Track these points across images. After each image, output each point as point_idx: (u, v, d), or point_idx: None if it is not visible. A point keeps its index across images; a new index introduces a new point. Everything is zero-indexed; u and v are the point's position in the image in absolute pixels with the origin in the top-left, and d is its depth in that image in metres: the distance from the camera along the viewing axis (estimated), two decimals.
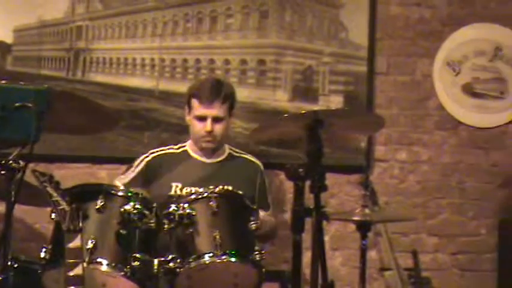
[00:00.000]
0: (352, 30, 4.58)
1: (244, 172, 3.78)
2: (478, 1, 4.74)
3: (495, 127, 4.77)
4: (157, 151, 3.77)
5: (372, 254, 4.41)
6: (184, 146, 3.79)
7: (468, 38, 4.73)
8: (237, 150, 3.87)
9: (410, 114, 4.69)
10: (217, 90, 3.66)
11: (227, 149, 3.83)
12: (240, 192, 3.22)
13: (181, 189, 3.62)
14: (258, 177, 3.81)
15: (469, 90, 4.72)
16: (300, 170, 2.79)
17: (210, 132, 3.62)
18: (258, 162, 3.87)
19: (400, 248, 4.54)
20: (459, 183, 4.73)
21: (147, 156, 3.74)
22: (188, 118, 3.73)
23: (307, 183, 2.81)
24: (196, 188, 3.47)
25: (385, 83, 4.64)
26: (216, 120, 3.62)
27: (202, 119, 3.64)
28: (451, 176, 4.72)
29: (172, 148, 3.80)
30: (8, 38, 4.23)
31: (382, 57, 4.63)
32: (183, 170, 3.70)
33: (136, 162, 3.74)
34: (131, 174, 3.70)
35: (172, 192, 3.60)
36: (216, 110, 3.63)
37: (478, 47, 4.73)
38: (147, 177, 3.69)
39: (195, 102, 3.66)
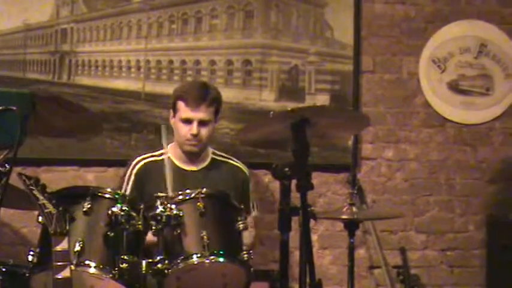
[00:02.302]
0: (337, 29, 4.59)
1: (227, 179, 3.76)
2: None
3: (482, 123, 4.79)
4: (141, 159, 3.75)
5: (360, 252, 4.43)
6: (166, 153, 3.61)
7: (453, 35, 4.75)
8: (220, 153, 3.86)
9: (397, 112, 4.70)
10: (204, 94, 3.65)
11: (210, 153, 3.81)
12: (227, 193, 3.23)
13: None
14: (241, 182, 3.81)
15: (455, 87, 4.74)
16: (286, 169, 2.79)
17: (195, 136, 3.60)
18: (241, 166, 3.85)
19: (388, 245, 4.56)
20: (447, 180, 4.75)
21: (134, 168, 3.73)
22: (173, 121, 3.71)
23: (294, 182, 2.81)
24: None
25: (371, 81, 4.66)
26: (201, 123, 3.61)
27: (188, 121, 3.62)
28: (438, 173, 4.74)
29: (154, 156, 3.76)
30: None
31: (368, 55, 4.64)
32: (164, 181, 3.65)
33: (127, 175, 3.73)
34: (127, 183, 3.70)
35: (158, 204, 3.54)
36: (202, 114, 3.62)
37: (463, 44, 4.75)
38: (139, 189, 3.68)
39: (181, 104, 3.64)
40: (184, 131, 3.63)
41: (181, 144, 3.69)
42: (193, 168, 3.75)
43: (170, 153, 3.63)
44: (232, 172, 3.82)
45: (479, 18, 4.77)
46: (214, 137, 3.89)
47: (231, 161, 3.85)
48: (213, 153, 3.83)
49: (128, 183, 3.70)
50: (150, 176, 3.68)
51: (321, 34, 4.58)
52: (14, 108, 2.46)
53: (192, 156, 3.73)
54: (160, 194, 3.23)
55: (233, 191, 3.61)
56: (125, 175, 3.74)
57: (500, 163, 4.80)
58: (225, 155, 3.86)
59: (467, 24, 4.78)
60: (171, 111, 3.73)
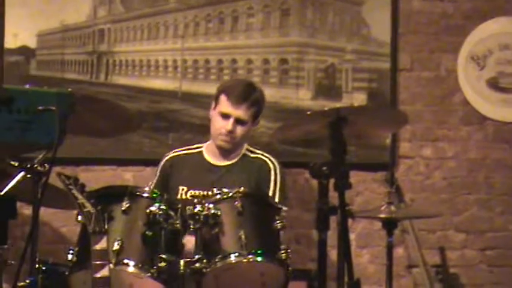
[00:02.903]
0: (374, 27, 4.58)
1: (253, 174, 3.68)
2: None
3: None
4: (172, 153, 3.75)
5: (399, 251, 4.41)
6: (201, 147, 3.75)
7: (492, 32, 4.71)
8: (253, 149, 3.78)
9: (435, 110, 4.67)
10: (248, 93, 3.62)
11: (244, 149, 3.74)
12: (265, 192, 3.24)
13: (186, 193, 3.61)
14: (268, 176, 3.68)
15: (494, 84, 4.71)
16: (324, 168, 2.80)
17: (230, 132, 3.58)
18: (270, 161, 3.72)
19: (427, 244, 4.53)
20: (486, 178, 4.71)
21: (162, 160, 3.74)
22: (212, 113, 3.67)
23: (332, 181, 2.82)
24: (200, 192, 3.50)
25: (408, 79, 4.63)
26: (238, 121, 3.58)
27: (226, 116, 3.58)
28: (477, 171, 4.70)
29: (190, 148, 3.77)
30: (32, 43, 4.26)
31: (405, 53, 4.62)
32: (190, 173, 3.66)
33: (156, 171, 3.75)
34: (155, 178, 3.72)
35: (179, 196, 3.58)
36: (241, 112, 3.58)
37: (502, 41, 4.71)
38: (164, 180, 3.68)
39: (223, 98, 3.61)
40: (220, 125, 3.60)
41: (214, 137, 3.66)
42: (222, 163, 3.70)
43: (204, 148, 3.71)
44: (258, 167, 3.72)
45: None
46: (249, 138, 3.83)
47: (261, 156, 3.75)
48: (247, 149, 3.75)
49: (155, 179, 3.70)
50: (175, 169, 3.68)
51: (357, 32, 4.57)
52: (53, 108, 2.47)
53: (223, 152, 3.70)
54: (197, 193, 3.26)
55: (256, 186, 3.61)
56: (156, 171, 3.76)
57: None
58: (257, 151, 3.77)
59: (506, 21, 4.74)
60: (213, 102, 3.69)
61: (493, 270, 4.69)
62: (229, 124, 3.57)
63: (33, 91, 2.70)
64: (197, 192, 3.57)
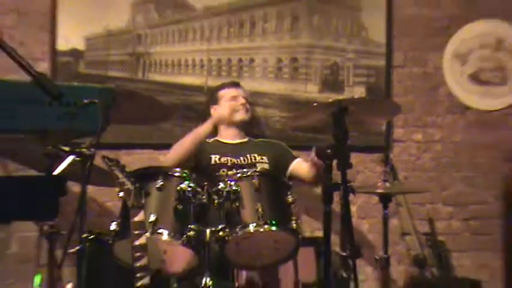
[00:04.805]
0: (371, 30, 4.56)
1: (265, 145, 3.89)
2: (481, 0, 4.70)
3: (498, 110, 4.72)
4: None
5: (393, 222, 4.41)
6: (214, 138, 3.93)
7: (473, 34, 4.68)
8: (258, 139, 4.01)
9: (424, 101, 4.66)
10: (237, 83, 4.02)
11: (248, 137, 3.96)
12: (279, 172, 3.26)
13: (219, 159, 3.76)
14: (277, 145, 3.91)
15: (475, 78, 4.68)
16: (328, 150, 2.79)
17: (243, 104, 3.77)
18: (276, 141, 3.98)
19: (418, 216, 4.55)
20: (469, 159, 4.70)
21: None
22: (215, 109, 3.92)
23: (335, 161, 2.81)
24: (230, 158, 3.72)
25: (401, 74, 4.62)
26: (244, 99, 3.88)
27: (234, 98, 3.84)
28: (461, 153, 4.69)
29: (207, 140, 3.89)
30: (80, 46, 4.27)
31: (399, 52, 4.61)
32: (218, 147, 3.85)
33: None
34: None
35: (213, 162, 3.72)
36: (243, 93, 3.88)
37: (481, 41, 4.69)
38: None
39: (223, 91, 3.90)
40: (234, 104, 3.84)
41: (232, 117, 3.86)
42: (237, 141, 3.90)
43: (217, 138, 3.91)
44: (267, 142, 3.96)
45: (496, 17, 4.70)
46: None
47: (264, 139, 4.00)
48: (249, 138, 3.98)
49: None
50: (204, 147, 3.81)
51: (357, 34, 4.55)
52: (97, 101, 2.48)
53: (237, 131, 3.88)
54: (228, 160, 3.40)
55: (274, 158, 3.81)
56: None
57: None
58: (258, 140, 4.01)
59: (485, 24, 4.70)
60: (211, 108, 3.93)
61: (475, 238, 4.68)
62: (241, 99, 3.87)
63: (80, 87, 2.72)
64: (228, 159, 3.71)
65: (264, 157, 3.80)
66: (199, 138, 3.67)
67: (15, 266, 4.17)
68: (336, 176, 2.81)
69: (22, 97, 2.15)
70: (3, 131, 2.30)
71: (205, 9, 4.41)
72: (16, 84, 2.16)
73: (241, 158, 3.77)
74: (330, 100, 3.08)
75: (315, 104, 3.29)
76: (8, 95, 2.15)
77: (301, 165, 3.76)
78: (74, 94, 2.50)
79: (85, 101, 2.42)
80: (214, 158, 3.77)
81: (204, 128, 3.69)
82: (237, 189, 2.91)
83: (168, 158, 3.71)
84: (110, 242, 2.95)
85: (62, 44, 4.24)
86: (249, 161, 3.77)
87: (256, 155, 3.80)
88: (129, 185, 2.70)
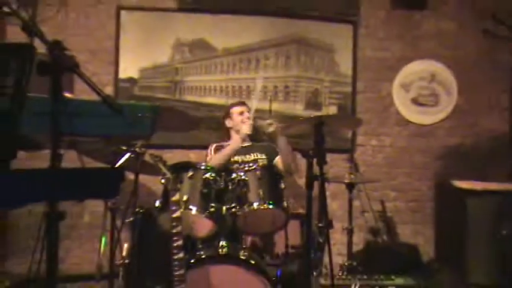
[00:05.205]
0: (342, 66, 4.55)
1: (264, 148, 3.78)
2: (421, 45, 4.68)
3: (431, 124, 4.71)
4: (215, 144, 3.77)
5: (356, 203, 4.39)
6: (229, 141, 3.79)
7: (414, 70, 4.68)
8: (258, 143, 3.87)
9: (379, 117, 4.66)
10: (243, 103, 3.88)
11: (251, 142, 3.82)
12: (276, 165, 3.24)
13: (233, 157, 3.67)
14: (269, 147, 3.78)
15: (415, 101, 4.68)
16: (310, 151, 2.79)
17: (248, 118, 3.67)
18: (270, 144, 3.81)
19: (373, 198, 4.54)
20: (409, 158, 4.70)
21: (211, 147, 3.74)
22: (230, 123, 3.77)
23: (315, 160, 2.79)
24: (240, 157, 3.59)
25: (363, 98, 4.62)
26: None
27: (241, 113, 3.72)
28: (404, 154, 4.69)
29: (223, 143, 3.80)
30: (135, 75, 4.27)
31: (361, 82, 4.60)
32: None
33: (210, 148, 3.75)
34: (209, 155, 3.73)
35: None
36: (247, 109, 3.74)
37: (420, 75, 4.69)
38: None
39: (234, 108, 3.75)
40: (242, 118, 3.69)
41: (240, 129, 3.66)
42: (244, 145, 3.76)
43: (234, 141, 3.69)
44: (264, 144, 3.83)
45: (431, 58, 4.69)
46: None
47: (262, 143, 3.85)
48: (253, 142, 3.85)
49: (209, 156, 3.71)
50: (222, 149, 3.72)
51: (332, 69, 4.55)
52: (147, 115, 2.47)
53: (246, 138, 3.74)
54: (233, 166, 3.25)
55: (270, 149, 3.70)
56: (208, 152, 3.76)
57: (442, 148, 4.72)
58: (259, 143, 3.87)
59: (423, 63, 4.70)
60: (225, 121, 3.78)
61: (414, 215, 4.68)
62: (246, 114, 3.72)
63: (135, 104, 2.71)
64: (238, 157, 3.63)
65: (263, 155, 3.77)
66: (233, 153, 3.55)
67: (87, 230, 4.17)
68: (316, 170, 2.80)
69: (94, 111, 2.14)
70: (83, 136, 2.30)
71: (224, 50, 4.40)
72: (90, 102, 2.15)
73: (247, 156, 3.74)
74: (312, 116, 3.07)
75: (301, 119, 3.29)
76: (86, 110, 2.14)
77: (278, 160, 3.67)
78: (130, 109, 2.49)
79: (139, 115, 2.41)
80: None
81: (235, 146, 3.55)
82: (245, 179, 2.92)
83: (212, 162, 3.65)
84: (155, 215, 2.97)
85: (122, 73, 4.26)
86: (253, 158, 3.74)
87: (258, 153, 3.78)
88: (169, 175, 2.69)
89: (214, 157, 3.61)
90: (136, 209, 3.02)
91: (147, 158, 2.91)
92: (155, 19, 4.29)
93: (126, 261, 3.07)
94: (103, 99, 1.71)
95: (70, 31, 4.20)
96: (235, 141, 3.56)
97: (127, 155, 3.05)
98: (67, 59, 1.68)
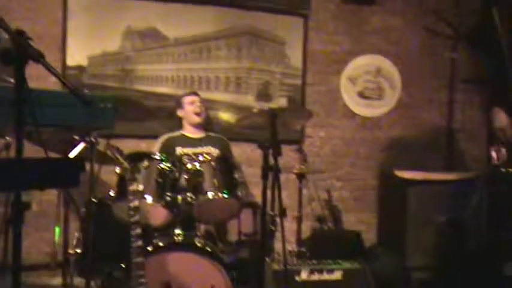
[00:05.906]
0: (292, 58, 4.62)
1: (216, 141, 3.79)
2: (368, 39, 4.80)
3: (376, 116, 4.86)
4: (167, 135, 3.77)
5: (304, 191, 4.45)
6: (180, 132, 3.81)
7: (361, 63, 4.80)
8: (209, 133, 3.87)
9: (327, 109, 4.75)
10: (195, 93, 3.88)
11: (204, 132, 3.84)
12: (229, 156, 3.27)
13: (181, 150, 3.66)
14: (226, 144, 3.82)
15: (361, 94, 4.81)
16: (266, 143, 2.84)
17: (200, 109, 3.69)
18: (222, 137, 3.85)
19: (320, 187, 4.61)
20: (355, 149, 4.82)
21: (160, 138, 3.76)
22: (181, 112, 3.79)
23: (270, 151, 2.85)
24: (191, 149, 3.57)
25: (312, 90, 4.69)
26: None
27: (193, 103, 3.73)
28: (350, 145, 4.81)
29: (173, 134, 3.80)
30: (84, 62, 4.19)
31: (310, 75, 4.67)
32: (181, 141, 3.73)
33: (159, 140, 3.76)
34: (156, 148, 3.72)
35: (177, 153, 3.58)
36: (199, 99, 3.76)
37: (367, 69, 4.81)
38: (165, 148, 3.69)
39: (186, 98, 3.77)
40: (193, 108, 3.71)
41: (191, 119, 3.70)
42: (197, 136, 3.78)
43: (182, 132, 3.75)
44: (218, 138, 3.84)
45: (377, 53, 4.82)
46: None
47: (217, 135, 3.87)
48: (206, 133, 3.86)
49: (157, 148, 3.72)
50: (170, 142, 3.72)
51: (282, 61, 4.61)
52: (110, 105, 2.47)
53: (198, 127, 3.76)
54: (187, 159, 3.26)
55: (222, 146, 3.72)
56: (157, 143, 3.77)
57: (386, 139, 4.88)
58: (212, 134, 3.88)
59: (369, 57, 4.82)
60: (177, 111, 3.80)
61: (357, 203, 4.83)
62: (198, 104, 3.75)
63: (97, 95, 2.68)
64: (189, 149, 3.61)
65: (216, 149, 3.75)
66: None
67: (35, 220, 4.08)
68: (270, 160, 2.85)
69: (57, 102, 2.14)
70: (45, 126, 2.29)
71: (175, 39, 4.38)
72: (53, 92, 2.15)
73: (199, 148, 3.69)
74: (266, 108, 3.13)
75: (255, 110, 3.34)
76: (49, 100, 2.14)
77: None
78: (94, 100, 2.47)
79: (101, 105, 2.42)
80: (179, 150, 3.67)
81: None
82: (200, 169, 2.92)
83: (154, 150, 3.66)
84: (110, 204, 2.95)
85: (70, 60, 4.15)
86: (205, 151, 3.67)
87: (210, 146, 3.75)
88: (125, 164, 2.68)
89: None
90: (90, 199, 2.99)
91: (102, 147, 2.88)
92: (105, 5, 4.20)
93: (78, 250, 3.05)
94: (71, 90, 1.72)
95: (14, 15, 4.04)
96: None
97: (81, 145, 3.03)
98: (32, 49, 1.69)
